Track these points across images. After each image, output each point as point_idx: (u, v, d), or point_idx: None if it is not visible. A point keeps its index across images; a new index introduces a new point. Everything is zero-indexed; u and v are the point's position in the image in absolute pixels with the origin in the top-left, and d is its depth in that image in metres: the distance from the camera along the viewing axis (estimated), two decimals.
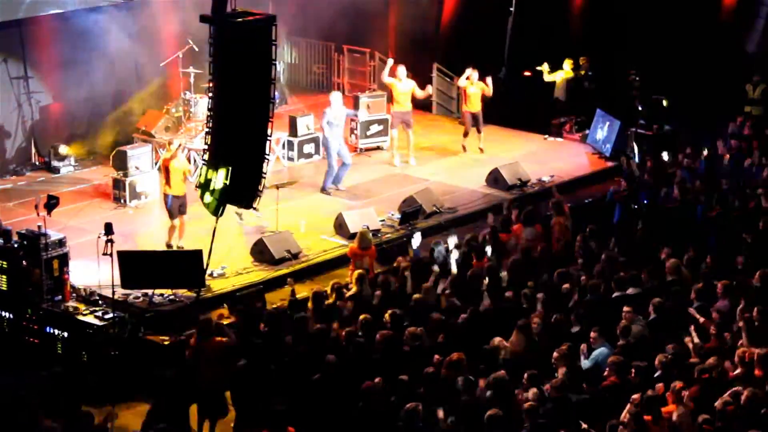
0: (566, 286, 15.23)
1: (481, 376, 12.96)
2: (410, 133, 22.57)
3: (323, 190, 21.10)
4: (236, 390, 13.89)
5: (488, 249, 16.71)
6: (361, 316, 14.38)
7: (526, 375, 12.70)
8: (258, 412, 13.17)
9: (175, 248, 18.24)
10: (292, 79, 27.32)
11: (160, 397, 13.40)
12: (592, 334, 13.68)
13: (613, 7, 25.53)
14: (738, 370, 12.86)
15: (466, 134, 23.24)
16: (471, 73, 22.86)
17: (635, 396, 12.14)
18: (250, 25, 15.14)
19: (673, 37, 24.53)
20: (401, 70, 22.46)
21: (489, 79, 23.00)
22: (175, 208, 18.33)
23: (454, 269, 16.23)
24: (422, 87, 22.85)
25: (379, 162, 22.81)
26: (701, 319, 14.01)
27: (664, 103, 23.70)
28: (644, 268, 15.53)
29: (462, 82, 23.10)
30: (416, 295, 15.12)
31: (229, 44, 15.04)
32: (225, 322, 15.06)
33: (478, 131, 23.18)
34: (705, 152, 21.04)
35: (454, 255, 16.50)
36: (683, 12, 24.73)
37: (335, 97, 21.15)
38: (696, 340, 13.67)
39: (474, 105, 23.01)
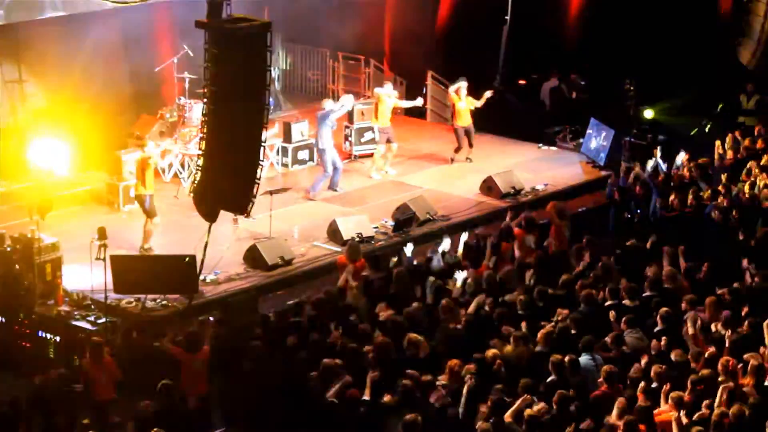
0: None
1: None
2: (392, 146, 22.50)
3: (308, 192, 20.98)
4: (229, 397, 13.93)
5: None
6: (360, 326, 14.36)
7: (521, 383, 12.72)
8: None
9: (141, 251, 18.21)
10: (287, 86, 27.32)
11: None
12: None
13: (608, 16, 25.59)
14: (721, 378, 12.89)
15: (458, 150, 23.20)
16: (461, 84, 22.78)
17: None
18: (246, 32, 15.17)
19: (668, 46, 24.60)
20: (388, 86, 22.47)
21: (488, 93, 22.97)
22: (154, 206, 18.26)
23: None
24: (418, 94, 22.83)
25: (374, 169, 22.78)
26: (690, 330, 14.03)
27: (647, 114, 23.76)
28: (641, 278, 15.53)
29: (452, 95, 23.06)
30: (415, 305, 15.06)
31: (224, 50, 15.05)
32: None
33: (470, 145, 23.16)
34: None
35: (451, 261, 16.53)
36: (679, 21, 24.80)
37: (329, 103, 21.17)
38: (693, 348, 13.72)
39: (465, 119, 22.97)
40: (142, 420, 12.66)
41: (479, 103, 22.99)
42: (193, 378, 13.83)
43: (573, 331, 14.07)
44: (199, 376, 13.89)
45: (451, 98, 23.15)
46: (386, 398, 12.51)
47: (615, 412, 12.13)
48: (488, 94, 23.03)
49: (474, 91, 23.04)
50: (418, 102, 23.38)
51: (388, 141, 22.31)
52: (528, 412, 12.05)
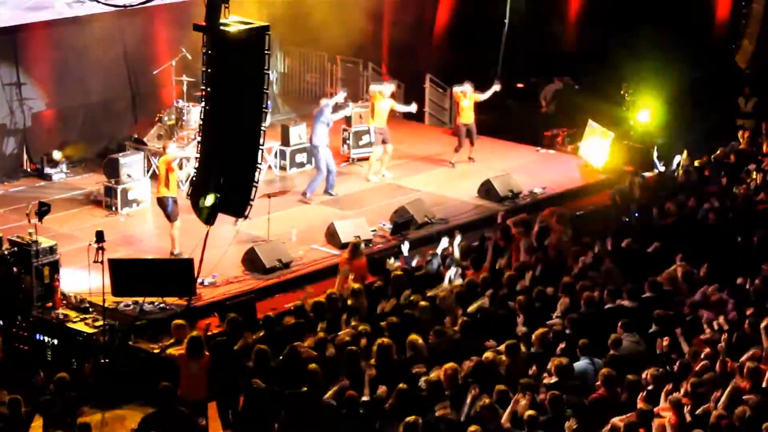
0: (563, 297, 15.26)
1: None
2: (388, 147, 22.48)
3: (304, 195, 21.00)
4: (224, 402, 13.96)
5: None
6: (361, 327, 14.35)
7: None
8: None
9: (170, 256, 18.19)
10: (285, 89, 27.31)
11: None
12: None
13: (607, 19, 25.61)
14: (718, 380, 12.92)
15: (458, 149, 23.20)
16: (465, 88, 22.79)
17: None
18: (244, 35, 15.16)
19: (666, 49, 24.63)
20: (386, 86, 22.49)
21: (496, 87, 23.03)
22: (176, 210, 18.27)
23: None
24: (416, 97, 22.75)
25: (372, 172, 22.77)
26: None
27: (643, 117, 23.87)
28: (640, 281, 15.52)
29: (457, 93, 23.03)
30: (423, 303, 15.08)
31: (222, 53, 15.05)
32: (214, 331, 15.10)
33: (471, 143, 23.18)
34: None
35: (453, 268, 16.52)
36: (677, 25, 24.81)
37: (326, 101, 21.19)
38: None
39: (468, 117, 23.00)
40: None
41: (484, 96, 22.97)
42: (192, 382, 13.81)
43: (569, 332, 14.11)
44: (199, 381, 13.88)
45: (456, 96, 23.11)
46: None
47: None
48: (496, 87, 23.04)
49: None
50: (412, 108, 23.21)
51: (384, 142, 22.29)
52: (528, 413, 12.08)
